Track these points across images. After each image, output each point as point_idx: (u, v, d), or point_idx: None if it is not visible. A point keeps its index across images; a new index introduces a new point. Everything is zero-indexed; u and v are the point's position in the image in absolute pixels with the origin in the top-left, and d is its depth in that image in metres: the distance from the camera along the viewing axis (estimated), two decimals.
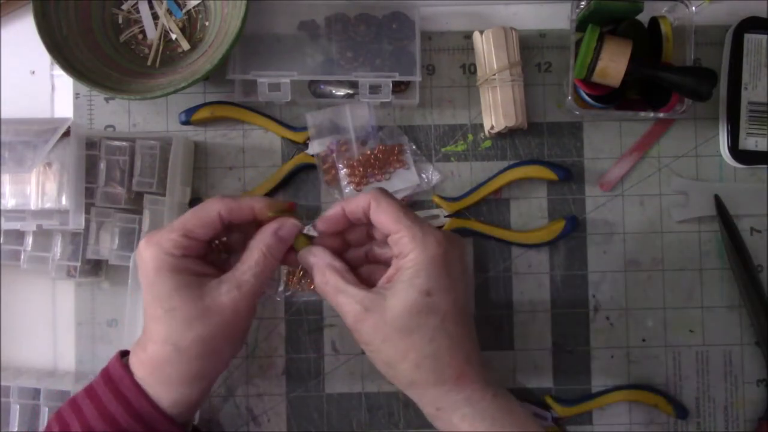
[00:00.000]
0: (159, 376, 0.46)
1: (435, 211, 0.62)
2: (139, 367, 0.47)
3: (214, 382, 0.50)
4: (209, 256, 0.50)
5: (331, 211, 0.48)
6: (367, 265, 0.51)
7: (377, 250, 0.50)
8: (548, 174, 0.61)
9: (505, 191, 0.62)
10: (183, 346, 0.46)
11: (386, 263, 0.49)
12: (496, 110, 0.59)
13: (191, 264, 0.47)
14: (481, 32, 0.60)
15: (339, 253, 0.49)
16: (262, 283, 0.47)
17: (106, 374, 0.48)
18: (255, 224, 0.49)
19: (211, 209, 0.47)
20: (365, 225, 0.50)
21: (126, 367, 0.48)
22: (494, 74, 0.59)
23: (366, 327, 0.45)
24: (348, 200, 0.48)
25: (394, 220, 0.45)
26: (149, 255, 0.46)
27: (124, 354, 0.50)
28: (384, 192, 0.47)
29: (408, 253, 0.45)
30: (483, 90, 0.61)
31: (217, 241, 0.52)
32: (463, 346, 0.45)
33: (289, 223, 0.48)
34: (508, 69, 0.59)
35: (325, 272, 0.47)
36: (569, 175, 0.61)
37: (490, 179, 0.61)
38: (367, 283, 0.48)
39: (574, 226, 0.61)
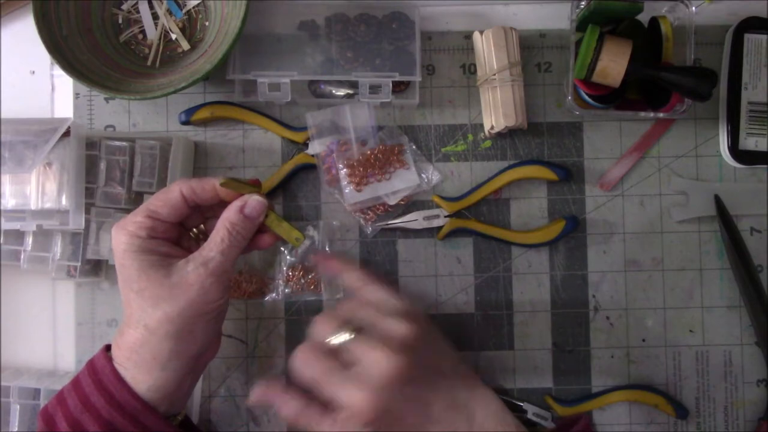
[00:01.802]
0: (135, 360, 0.47)
1: (435, 211, 0.62)
2: (118, 353, 0.48)
3: (191, 365, 0.50)
4: (186, 242, 0.52)
5: (259, 392, 0.49)
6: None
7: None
8: (548, 174, 0.61)
9: (505, 191, 0.62)
10: (152, 326, 0.47)
11: None
12: (496, 110, 0.59)
13: (159, 245, 0.48)
14: (481, 32, 0.60)
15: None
16: (229, 260, 0.48)
17: (90, 365, 0.49)
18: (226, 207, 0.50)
19: (174, 189, 0.49)
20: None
21: (109, 357, 0.49)
22: (494, 74, 0.59)
23: None
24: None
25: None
26: (118, 239, 0.48)
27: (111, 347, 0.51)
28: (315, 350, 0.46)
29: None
30: (483, 90, 0.61)
31: (195, 230, 0.53)
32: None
33: (253, 200, 0.49)
34: (508, 69, 0.59)
35: (300, 418, 0.46)
36: (569, 175, 0.61)
37: (490, 179, 0.61)
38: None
39: (575, 226, 0.61)
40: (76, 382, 0.49)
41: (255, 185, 0.51)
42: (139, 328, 0.47)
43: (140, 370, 0.48)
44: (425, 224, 0.61)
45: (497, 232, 0.61)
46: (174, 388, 0.49)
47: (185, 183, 0.49)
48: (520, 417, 0.61)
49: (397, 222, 0.61)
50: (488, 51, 0.60)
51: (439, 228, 0.61)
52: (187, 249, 0.51)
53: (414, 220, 0.61)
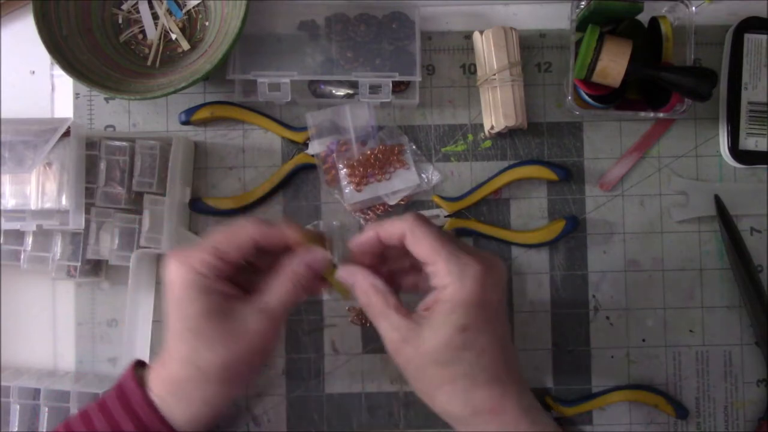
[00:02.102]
0: (178, 395, 0.46)
1: (435, 211, 0.62)
2: (157, 383, 0.47)
3: (231, 402, 0.49)
4: (235, 275, 0.49)
5: (365, 236, 0.47)
6: (409, 275, 0.50)
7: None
8: (548, 174, 0.61)
9: (505, 191, 0.62)
10: (205, 369, 0.45)
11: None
12: (496, 110, 0.59)
13: (220, 285, 0.46)
14: (481, 32, 0.60)
15: (376, 267, 0.49)
16: (288, 310, 0.47)
17: (119, 388, 0.47)
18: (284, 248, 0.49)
19: (246, 234, 0.46)
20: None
21: (139, 381, 0.47)
22: (494, 74, 0.59)
23: (403, 356, 0.45)
24: (382, 226, 0.46)
25: (430, 251, 0.44)
26: (178, 273, 0.45)
27: (139, 364, 0.49)
28: (420, 220, 0.45)
29: (445, 286, 0.44)
30: (483, 90, 0.61)
31: (244, 261, 0.50)
32: (499, 378, 0.44)
33: (321, 255, 0.48)
34: (508, 69, 0.59)
35: (368, 293, 0.46)
36: (569, 175, 0.61)
37: (490, 179, 0.61)
38: (410, 289, 0.48)
39: (575, 226, 0.61)
40: (102, 404, 0.47)
41: (323, 240, 0.49)
42: (188, 367, 0.45)
43: (181, 405, 0.46)
44: None
45: (497, 232, 0.61)
46: (210, 423, 0.47)
47: (258, 229, 0.46)
48: None
49: None
50: (488, 51, 0.60)
51: (440, 228, 0.61)
52: (237, 282, 0.48)
53: None
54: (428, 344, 0.43)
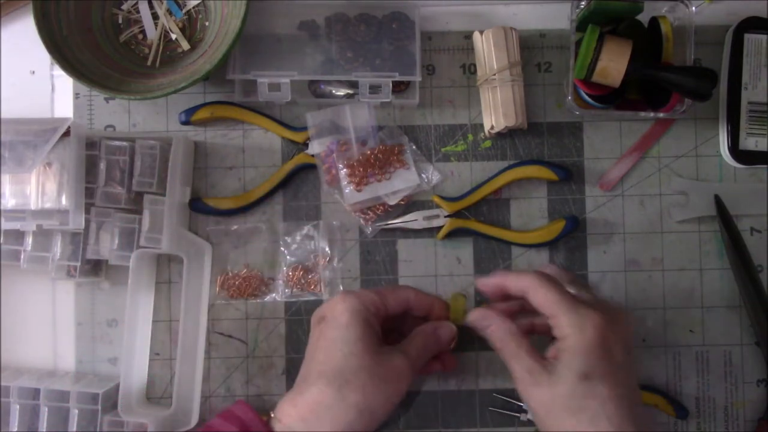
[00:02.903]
0: (312, 420, 0.47)
1: (435, 211, 0.62)
2: (290, 411, 0.47)
3: None
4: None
5: (493, 280, 0.51)
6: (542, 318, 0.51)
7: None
8: (548, 174, 0.61)
9: (505, 191, 0.62)
10: (347, 390, 0.47)
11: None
12: (496, 110, 0.59)
13: (375, 325, 0.50)
14: (481, 32, 0.60)
15: (510, 311, 0.52)
16: (418, 368, 0.51)
17: (239, 424, 0.48)
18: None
19: (406, 293, 0.53)
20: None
21: (264, 422, 0.48)
22: (494, 74, 0.59)
23: (535, 398, 0.47)
24: (509, 276, 0.50)
25: (551, 304, 0.47)
26: (347, 304, 0.49)
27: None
28: (544, 278, 0.48)
29: (566, 336, 0.46)
30: (483, 90, 0.61)
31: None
32: (623, 428, 0.45)
33: (449, 328, 0.53)
34: (508, 69, 0.59)
35: (502, 339, 0.49)
36: (569, 175, 0.61)
37: (490, 179, 0.61)
38: (543, 333, 0.51)
39: (575, 226, 0.61)
40: None
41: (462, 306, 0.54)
42: (330, 388, 0.47)
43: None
44: (425, 224, 0.61)
45: (497, 232, 0.61)
46: None
47: (416, 293, 0.53)
48: (520, 417, 0.61)
49: (397, 222, 0.61)
50: (488, 51, 0.60)
51: (439, 228, 0.61)
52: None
53: (414, 220, 0.61)
54: (554, 390, 0.45)
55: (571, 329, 0.46)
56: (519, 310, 0.53)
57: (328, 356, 0.48)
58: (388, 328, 0.53)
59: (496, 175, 0.61)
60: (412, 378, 0.49)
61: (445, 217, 0.62)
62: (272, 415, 0.48)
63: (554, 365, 0.46)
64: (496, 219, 0.62)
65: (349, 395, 0.46)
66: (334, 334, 0.49)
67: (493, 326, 0.50)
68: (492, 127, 0.60)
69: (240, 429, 0.47)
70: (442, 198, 0.61)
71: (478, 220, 0.62)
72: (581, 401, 0.45)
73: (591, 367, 0.45)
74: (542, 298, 0.47)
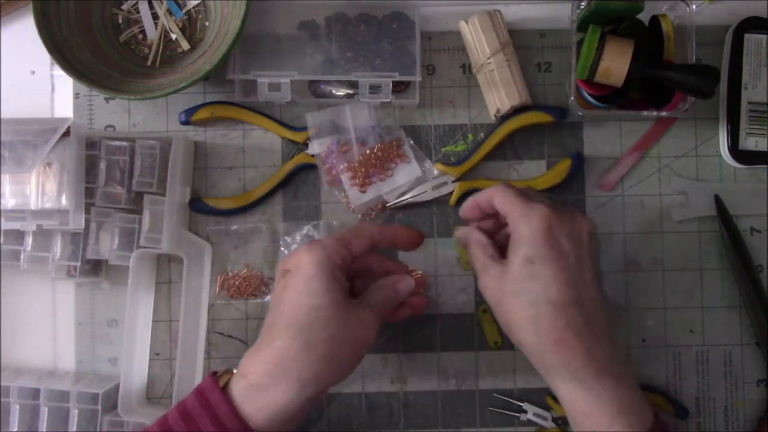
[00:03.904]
0: (276, 375, 0.46)
1: (442, 179, 0.62)
2: (256, 365, 0.47)
3: (318, 397, 0.51)
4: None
5: (468, 204, 0.53)
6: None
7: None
8: (544, 117, 0.61)
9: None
10: (314, 343, 0.47)
11: None
12: (498, 93, 0.59)
13: (341, 276, 0.50)
14: (467, 21, 0.60)
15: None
16: (382, 320, 0.51)
17: (202, 397, 0.47)
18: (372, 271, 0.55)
19: (371, 228, 0.53)
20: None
21: (222, 390, 0.47)
22: (488, 58, 0.59)
23: (487, 288, 0.50)
24: (479, 195, 0.53)
25: (509, 204, 0.50)
26: (312, 255, 0.49)
27: (214, 373, 0.49)
28: (505, 185, 0.51)
29: (516, 228, 0.49)
30: (481, 76, 0.61)
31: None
32: (565, 313, 0.47)
33: (408, 282, 0.54)
34: (501, 50, 0.59)
35: (473, 245, 0.53)
36: (565, 115, 0.61)
37: (489, 135, 0.61)
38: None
39: (580, 164, 0.61)
40: (184, 414, 0.47)
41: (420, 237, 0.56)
42: (297, 341, 0.46)
43: (276, 388, 0.46)
44: (435, 194, 0.62)
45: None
46: (292, 423, 0.48)
47: (377, 226, 0.54)
48: (520, 417, 0.61)
49: (408, 197, 0.61)
50: (477, 37, 0.60)
51: (449, 196, 0.62)
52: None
53: (423, 192, 0.62)
54: (505, 276, 0.49)
55: (520, 220, 0.48)
56: (495, 227, 0.55)
57: (294, 309, 0.48)
58: (353, 274, 0.54)
59: (494, 130, 0.61)
60: (377, 329, 0.50)
61: (453, 182, 0.61)
62: (235, 372, 0.48)
63: (507, 257, 0.49)
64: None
65: (317, 347, 0.47)
66: (300, 287, 0.48)
67: (471, 238, 0.53)
68: (498, 111, 0.60)
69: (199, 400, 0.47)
70: (446, 165, 0.61)
71: (485, 177, 0.62)
72: (524, 284, 0.47)
73: (535, 252, 0.47)
74: (501, 200, 0.50)
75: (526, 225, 0.48)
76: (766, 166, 0.62)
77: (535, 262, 0.47)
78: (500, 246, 0.52)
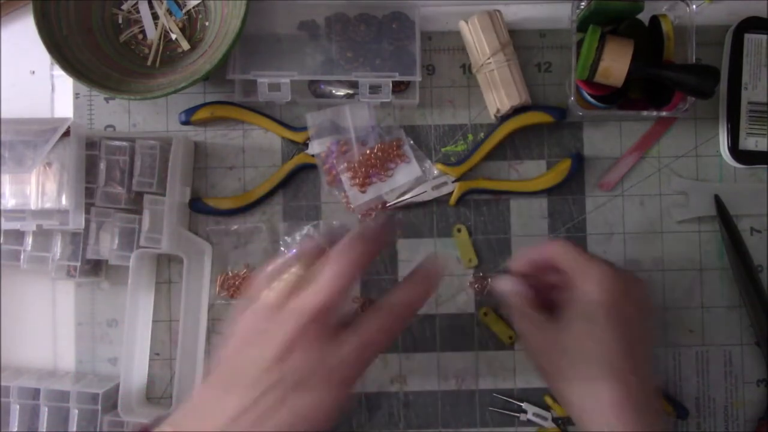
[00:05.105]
0: None
1: (442, 178, 0.62)
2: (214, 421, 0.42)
3: None
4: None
5: (522, 259, 0.52)
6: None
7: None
8: (544, 117, 0.61)
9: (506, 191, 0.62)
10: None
11: None
12: (498, 93, 0.59)
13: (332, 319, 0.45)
14: (467, 21, 0.60)
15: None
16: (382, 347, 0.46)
17: None
18: None
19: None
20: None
21: None
22: (488, 58, 0.59)
23: (534, 343, 0.49)
24: (534, 249, 0.52)
25: (572, 259, 0.49)
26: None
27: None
28: (566, 242, 0.51)
29: (576, 286, 0.48)
30: (481, 76, 0.61)
31: None
32: (624, 378, 0.45)
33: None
34: (501, 50, 0.59)
35: (515, 296, 0.51)
36: (564, 114, 0.61)
37: (489, 135, 0.61)
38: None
39: (580, 164, 0.61)
40: None
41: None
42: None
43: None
44: (435, 194, 0.62)
45: (506, 185, 0.61)
46: None
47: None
48: (519, 417, 0.61)
49: (408, 197, 0.61)
50: (477, 37, 0.60)
51: (449, 195, 0.62)
52: None
53: (423, 191, 0.62)
54: (559, 332, 0.47)
55: (582, 278, 0.48)
56: (536, 283, 0.53)
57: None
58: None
59: (494, 130, 0.61)
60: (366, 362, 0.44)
61: (453, 182, 0.61)
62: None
63: (561, 314, 0.48)
64: (497, 218, 0.62)
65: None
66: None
67: (510, 287, 0.52)
68: (498, 111, 0.60)
69: None
70: (446, 164, 0.61)
71: (484, 177, 0.62)
72: (582, 343, 0.46)
73: (597, 314, 0.46)
74: (563, 256, 0.49)
75: (590, 283, 0.47)
76: (766, 166, 0.62)
77: (595, 323, 0.46)
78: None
